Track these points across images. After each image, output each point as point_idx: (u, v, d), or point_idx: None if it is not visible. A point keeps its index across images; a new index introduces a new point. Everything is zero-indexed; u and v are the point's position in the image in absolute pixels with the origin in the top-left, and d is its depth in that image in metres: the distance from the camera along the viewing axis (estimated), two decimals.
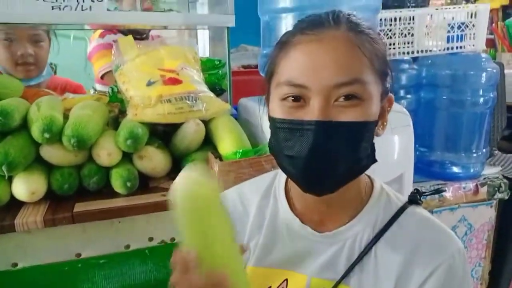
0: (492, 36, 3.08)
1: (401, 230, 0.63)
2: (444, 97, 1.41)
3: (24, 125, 0.92)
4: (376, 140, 0.63)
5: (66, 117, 0.95)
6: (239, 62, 2.09)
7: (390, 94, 0.63)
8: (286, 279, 0.66)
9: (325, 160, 0.56)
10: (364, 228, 0.64)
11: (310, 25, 0.59)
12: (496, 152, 1.79)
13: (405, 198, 0.67)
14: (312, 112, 0.55)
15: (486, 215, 1.45)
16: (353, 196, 0.65)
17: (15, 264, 0.87)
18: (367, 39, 0.58)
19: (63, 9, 1.08)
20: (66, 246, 0.90)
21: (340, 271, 0.63)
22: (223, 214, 0.55)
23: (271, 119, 0.61)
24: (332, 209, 0.65)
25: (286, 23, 1.10)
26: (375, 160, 0.61)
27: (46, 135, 0.85)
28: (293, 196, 0.69)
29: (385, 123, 0.63)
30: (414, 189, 0.67)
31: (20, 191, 0.86)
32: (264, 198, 0.71)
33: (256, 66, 1.93)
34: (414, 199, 0.66)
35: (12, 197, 0.88)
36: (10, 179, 0.87)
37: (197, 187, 0.52)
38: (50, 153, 0.90)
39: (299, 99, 0.57)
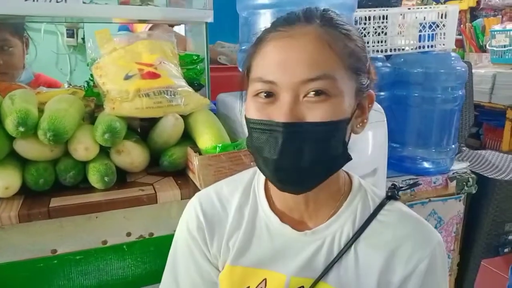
0: (460, 37, 3.20)
1: (381, 226, 0.64)
2: (415, 95, 1.46)
3: None
4: (351, 135, 0.64)
5: (40, 111, 0.92)
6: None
7: (370, 91, 0.64)
8: (265, 279, 0.66)
9: (295, 161, 0.57)
10: (343, 225, 0.65)
11: (284, 22, 0.60)
12: (464, 148, 1.87)
13: (383, 194, 0.68)
14: (280, 108, 0.56)
15: (455, 209, 1.51)
16: (332, 194, 0.66)
17: None
18: (340, 35, 0.59)
19: (37, 0, 1.05)
20: (41, 242, 0.88)
21: (319, 269, 0.63)
22: None
23: (246, 119, 0.62)
24: (311, 207, 0.66)
25: (265, 19, 1.11)
26: (348, 159, 0.62)
27: (21, 129, 0.83)
28: (273, 195, 0.69)
29: (365, 121, 0.64)
30: (392, 184, 0.69)
31: None
32: (243, 196, 0.71)
33: (232, 63, 1.94)
34: (393, 194, 0.67)
35: None
36: None
37: None
38: (25, 148, 0.88)
39: (270, 95, 0.58)
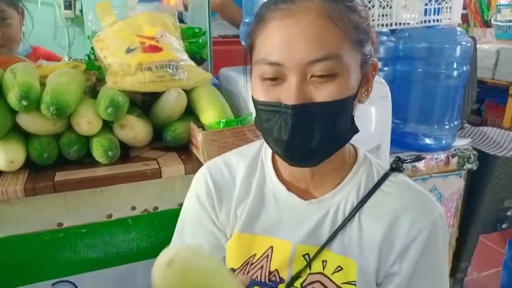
0: (465, 11, 3.14)
1: (385, 196, 0.65)
2: (419, 70, 1.44)
3: None
4: (355, 110, 0.64)
5: (42, 84, 0.91)
6: (216, 32, 2.06)
7: (374, 59, 0.63)
8: (272, 246, 0.68)
9: (305, 140, 0.58)
10: (347, 195, 0.66)
11: None
12: (466, 124, 1.87)
13: (387, 166, 0.70)
14: (288, 90, 0.56)
15: (455, 185, 1.52)
16: (337, 165, 0.67)
17: None
18: (343, 8, 0.58)
19: None
20: (47, 216, 0.89)
21: (324, 237, 0.65)
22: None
23: (253, 100, 0.62)
24: (317, 178, 0.67)
25: None
26: (356, 131, 0.63)
27: (24, 103, 0.83)
28: (280, 166, 0.70)
29: (369, 89, 0.64)
30: (396, 157, 0.70)
31: None
32: (251, 167, 0.72)
33: (234, 36, 1.92)
34: (397, 166, 0.68)
35: None
36: None
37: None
38: (28, 122, 0.88)
39: (276, 77, 0.58)
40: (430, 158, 1.43)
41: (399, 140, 1.48)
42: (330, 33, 0.56)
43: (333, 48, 0.56)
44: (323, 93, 0.56)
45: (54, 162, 0.91)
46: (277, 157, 0.70)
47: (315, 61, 0.55)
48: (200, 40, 1.26)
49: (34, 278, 0.91)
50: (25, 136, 0.91)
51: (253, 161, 0.73)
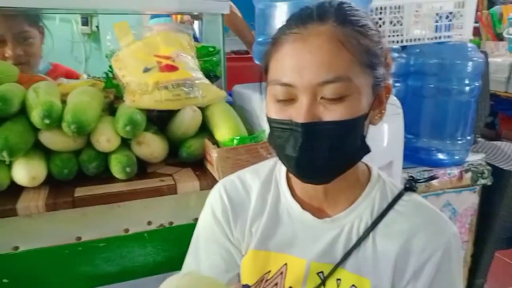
0: (477, 24, 3.14)
1: (398, 216, 0.66)
2: (431, 85, 1.45)
3: (22, 111, 0.92)
4: (367, 131, 0.66)
5: (62, 102, 0.95)
6: (229, 48, 2.10)
7: (387, 82, 0.65)
8: (286, 263, 0.69)
9: (314, 157, 0.60)
10: (361, 214, 0.67)
11: (297, 21, 0.61)
12: (480, 139, 1.86)
13: (400, 185, 0.70)
14: (299, 109, 0.59)
15: (469, 200, 1.51)
16: (351, 184, 0.68)
17: (16, 248, 0.89)
18: (354, 33, 0.59)
19: None
20: (66, 230, 0.92)
21: (338, 256, 0.66)
22: None
23: (268, 118, 0.64)
24: (330, 196, 0.68)
25: (281, 12, 1.11)
26: (367, 151, 0.64)
27: (46, 121, 0.86)
28: (294, 184, 0.72)
29: (382, 111, 0.66)
30: (410, 176, 0.71)
31: (20, 176, 0.87)
32: (265, 184, 0.74)
33: (246, 52, 1.95)
34: (411, 186, 0.69)
35: (12, 182, 0.89)
36: (9, 165, 0.88)
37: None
38: (50, 139, 0.91)
39: (288, 97, 0.60)
40: (443, 173, 1.43)
41: (411, 155, 1.48)
42: (340, 56, 0.58)
43: (343, 70, 0.57)
44: (332, 113, 0.58)
45: (73, 178, 0.94)
46: (290, 174, 0.71)
47: (325, 82, 0.57)
48: (214, 58, 1.29)
49: None
50: (46, 153, 0.94)
51: (267, 178, 0.74)
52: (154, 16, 2.01)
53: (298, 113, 0.59)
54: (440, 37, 1.46)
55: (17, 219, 0.87)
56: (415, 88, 1.49)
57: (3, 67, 1.03)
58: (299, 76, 0.58)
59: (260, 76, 0.67)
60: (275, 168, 0.75)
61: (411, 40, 1.45)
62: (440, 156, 1.47)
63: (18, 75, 1.06)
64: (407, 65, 1.49)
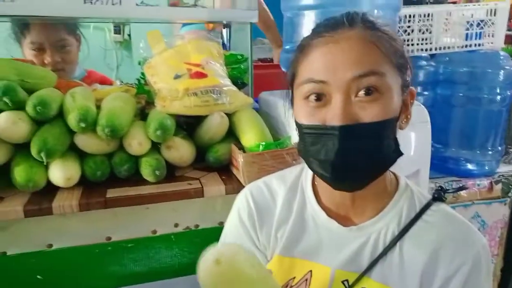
0: (510, 32, 3.05)
1: (426, 226, 0.65)
2: (460, 94, 1.43)
3: (59, 114, 0.97)
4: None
5: (97, 107, 0.99)
6: (256, 56, 2.14)
7: (412, 88, 0.65)
8: (311, 270, 0.68)
9: (352, 161, 0.59)
10: (388, 223, 0.66)
11: (326, 28, 0.62)
12: (511, 150, 1.81)
13: (428, 195, 0.69)
14: (334, 110, 0.58)
15: (499, 213, 1.48)
16: (378, 192, 0.68)
17: (50, 245, 0.93)
18: (383, 36, 0.60)
19: (95, 3, 1.12)
20: (97, 230, 0.95)
21: (364, 264, 0.65)
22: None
23: (297, 125, 0.64)
24: (357, 204, 0.68)
25: (309, 20, 1.13)
26: (400, 154, 0.63)
27: (82, 125, 0.90)
28: (320, 191, 0.72)
29: (408, 116, 0.65)
30: (438, 186, 0.70)
31: (56, 176, 0.91)
32: (291, 191, 0.74)
33: (272, 60, 1.98)
34: (439, 196, 0.68)
35: (48, 182, 0.93)
36: (46, 166, 0.92)
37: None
38: (84, 142, 0.95)
39: (321, 97, 0.59)
40: (472, 184, 1.41)
41: (439, 165, 1.46)
42: (372, 54, 0.58)
43: (376, 66, 0.58)
44: (368, 113, 0.57)
45: (105, 180, 0.98)
46: (317, 182, 0.71)
47: (358, 76, 0.57)
48: (242, 66, 1.32)
49: None
50: (81, 155, 0.99)
51: (293, 185, 0.74)
52: (185, 24, 2.06)
53: (333, 115, 0.57)
54: (470, 45, 1.44)
55: (52, 218, 0.91)
56: (444, 96, 1.47)
57: (43, 73, 1.08)
58: (332, 73, 0.57)
59: (286, 83, 0.68)
60: (301, 175, 0.75)
61: (440, 48, 1.43)
62: (470, 166, 1.44)
63: (56, 80, 1.11)
64: (436, 73, 1.48)
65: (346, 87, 0.57)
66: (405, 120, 0.65)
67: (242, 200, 0.77)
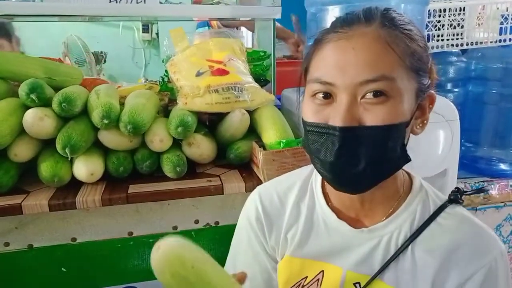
0: None
1: (440, 229, 0.63)
2: (494, 91, 1.37)
3: (84, 111, 0.99)
4: (421, 134, 0.63)
5: (121, 104, 1.01)
6: (281, 53, 2.12)
7: (431, 92, 0.62)
8: (322, 271, 0.67)
9: (351, 164, 0.57)
10: (401, 225, 0.64)
11: (343, 23, 0.59)
12: None
13: (445, 197, 0.66)
14: (337, 110, 0.56)
15: None
16: (389, 194, 0.65)
17: (74, 239, 0.95)
18: (400, 35, 0.57)
19: (120, 2, 1.14)
20: (119, 224, 0.97)
21: (376, 267, 0.64)
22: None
23: (303, 121, 0.62)
24: (367, 206, 0.66)
25: (333, 16, 1.10)
26: (407, 160, 0.61)
27: (105, 121, 0.92)
28: (329, 192, 0.70)
29: (425, 122, 0.62)
30: (455, 188, 0.66)
31: (80, 172, 0.93)
32: (301, 191, 0.73)
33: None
34: (455, 198, 0.65)
35: (72, 177, 0.96)
36: (71, 161, 0.95)
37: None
38: (108, 138, 0.97)
39: (328, 96, 0.58)
40: (504, 185, 1.35)
41: (469, 165, 1.41)
42: (385, 57, 0.56)
43: (387, 70, 0.55)
44: (373, 116, 0.55)
45: (128, 175, 1.00)
46: (326, 183, 0.70)
47: (367, 81, 0.55)
48: (264, 62, 1.31)
49: (105, 282, 0.98)
50: (104, 151, 1.00)
51: (303, 185, 0.73)
52: (199, 26, 2.08)
53: (336, 114, 0.56)
54: (505, 40, 1.37)
55: (76, 212, 0.93)
56: (476, 94, 1.41)
57: (70, 70, 1.11)
58: (341, 74, 0.56)
59: (300, 78, 0.66)
60: (312, 176, 0.74)
61: (472, 44, 1.37)
62: (502, 166, 1.38)
63: (82, 78, 1.13)
64: (467, 69, 1.42)
65: (353, 89, 0.56)
66: (420, 125, 0.62)
67: (250, 204, 0.76)
